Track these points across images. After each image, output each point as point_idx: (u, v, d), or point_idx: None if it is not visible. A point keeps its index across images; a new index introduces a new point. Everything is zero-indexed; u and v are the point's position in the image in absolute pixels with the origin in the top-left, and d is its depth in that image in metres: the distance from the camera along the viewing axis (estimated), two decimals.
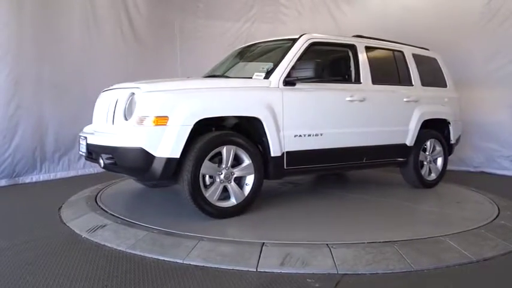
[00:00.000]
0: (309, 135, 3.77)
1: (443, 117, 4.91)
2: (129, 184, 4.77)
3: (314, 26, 7.78)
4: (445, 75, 5.08)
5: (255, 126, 3.54)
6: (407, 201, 4.20)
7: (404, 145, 4.52)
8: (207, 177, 3.32)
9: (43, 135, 5.68)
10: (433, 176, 4.85)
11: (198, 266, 2.61)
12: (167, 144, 3.10)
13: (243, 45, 4.92)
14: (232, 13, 7.88)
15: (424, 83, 4.78)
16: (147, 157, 3.09)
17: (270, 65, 3.86)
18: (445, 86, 5.08)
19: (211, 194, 3.32)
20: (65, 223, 3.53)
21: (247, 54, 4.62)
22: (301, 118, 3.75)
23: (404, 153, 4.55)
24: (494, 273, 2.65)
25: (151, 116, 3.11)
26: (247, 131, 3.58)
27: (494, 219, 3.54)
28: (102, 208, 3.76)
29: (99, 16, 6.26)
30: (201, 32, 7.58)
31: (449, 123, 4.97)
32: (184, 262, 2.65)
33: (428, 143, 4.77)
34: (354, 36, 4.45)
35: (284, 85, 3.65)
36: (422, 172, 4.73)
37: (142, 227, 3.18)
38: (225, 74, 4.34)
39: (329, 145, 3.91)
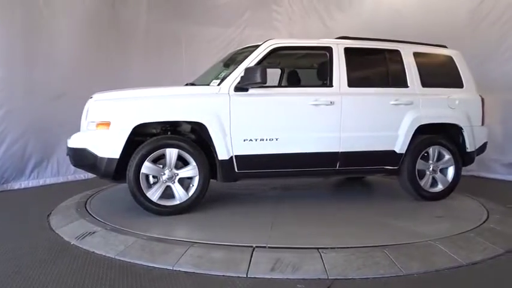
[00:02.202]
0: (262, 140, 3.78)
1: (450, 121, 4.39)
2: (119, 190, 4.72)
3: (306, 32, 7.86)
4: (461, 75, 4.52)
5: (204, 131, 3.70)
6: (387, 217, 3.73)
7: (393, 152, 4.17)
8: (150, 177, 3.66)
9: (32, 141, 5.62)
10: (440, 187, 4.35)
11: (188, 272, 2.60)
12: (108, 146, 3.53)
13: (231, 52, 4.95)
14: (224, 19, 7.89)
15: (427, 83, 4.34)
16: (91, 156, 3.54)
17: (228, 71, 3.95)
18: (460, 86, 4.51)
19: (153, 193, 3.60)
20: (53, 230, 3.49)
21: (228, 61, 4.61)
22: (252, 123, 3.80)
23: (393, 161, 4.20)
24: (483, 276, 2.66)
25: (96, 121, 3.61)
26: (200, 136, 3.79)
27: (484, 222, 3.56)
28: (91, 215, 3.72)
29: (92, 20, 6.25)
30: (195, 38, 7.57)
31: (461, 128, 4.41)
32: (174, 269, 2.64)
33: (430, 150, 4.31)
34: (338, 37, 4.31)
35: (235, 91, 3.73)
36: (422, 182, 4.28)
37: (132, 234, 3.15)
38: (204, 81, 4.28)
39: (287, 150, 3.86)
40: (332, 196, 4.82)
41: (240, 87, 3.74)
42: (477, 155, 4.64)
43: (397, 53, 4.35)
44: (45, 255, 2.92)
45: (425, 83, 4.33)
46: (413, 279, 2.57)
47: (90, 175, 6.16)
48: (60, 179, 5.95)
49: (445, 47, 4.66)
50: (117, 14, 6.67)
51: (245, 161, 3.77)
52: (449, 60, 4.56)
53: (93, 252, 2.95)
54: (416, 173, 4.25)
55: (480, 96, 4.55)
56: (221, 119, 3.68)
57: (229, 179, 3.85)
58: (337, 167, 4.05)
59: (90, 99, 3.84)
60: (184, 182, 3.71)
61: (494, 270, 2.75)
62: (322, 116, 3.95)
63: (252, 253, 2.75)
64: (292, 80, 5.02)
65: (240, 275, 2.55)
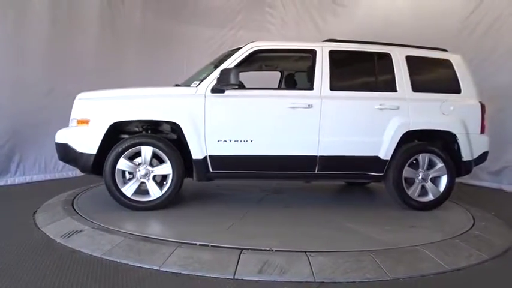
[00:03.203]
0: (236, 141, 3.81)
1: (442, 128, 4.19)
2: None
3: (299, 34, 7.90)
4: (459, 80, 4.31)
5: (180, 131, 3.79)
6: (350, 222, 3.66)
7: (377, 158, 4.04)
8: (126, 173, 3.80)
9: (19, 138, 5.54)
10: (430, 197, 4.17)
11: (174, 273, 2.59)
12: (86, 142, 3.72)
13: (222, 53, 4.94)
14: (218, 20, 7.90)
15: (419, 88, 4.18)
16: (72, 151, 3.75)
17: (208, 73, 4.00)
18: (457, 91, 4.29)
19: (127, 188, 3.74)
20: (39, 228, 3.45)
21: (217, 62, 4.55)
22: (227, 124, 3.86)
23: (378, 167, 4.07)
24: (468, 282, 2.69)
25: (77, 118, 3.81)
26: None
27: (469, 229, 3.60)
28: (78, 213, 3.68)
29: (86, 18, 6.23)
30: (188, 38, 7.56)
31: (455, 136, 4.20)
32: (161, 269, 2.62)
33: (420, 158, 4.13)
34: (326, 40, 4.26)
35: (212, 92, 3.79)
36: (410, 191, 4.12)
37: (119, 233, 3.12)
38: (191, 82, 4.26)
39: (262, 152, 3.86)
40: (318, 200, 4.76)
41: (217, 89, 3.79)
42: (476, 165, 4.43)
43: (387, 56, 4.23)
44: (30, 254, 2.88)
45: (416, 88, 4.17)
46: (398, 283, 2.60)
47: (78, 173, 6.10)
48: (48, 176, 5.88)
49: (445, 50, 4.49)
50: (113, 13, 6.64)
51: (219, 161, 3.82)
52: (448, 64, 4.36)
53: (79, 251, 2.92)
54: (403, 180, 4.10)
55: (480, 102, 4.32)
56: (196, 119, 3.75)
57: (203, 179, 3.90)
58: (316, 171, 3.99)
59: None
60: (160, 180, 3.85)
61: (479, 276, 2.78)
62: (299, 119, 3.92)
63: (240, 255, 2.74)
64: (289, 82, 5.02)
65: (227, 277, 2.54)
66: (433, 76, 4.46)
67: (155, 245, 2.91)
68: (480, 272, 2.84)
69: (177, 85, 4.30)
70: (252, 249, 2.82)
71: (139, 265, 2.67)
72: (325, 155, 3.94)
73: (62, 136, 3.86)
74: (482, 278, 2.77)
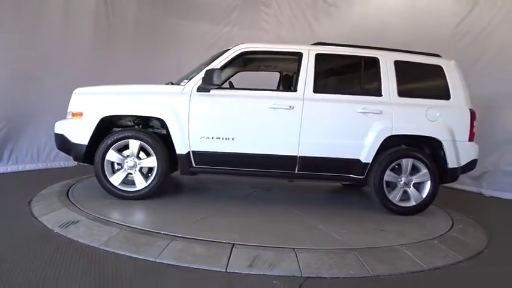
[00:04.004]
0: (218, 138, 3.99)
1: (426, 134, 4.18)
2: None
3: (293, 35, 8.03)
4: (449, 86, 4.28)
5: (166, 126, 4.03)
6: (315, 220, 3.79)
7: (358, 161, 4.09)
8: (115, 164, 4.07)
9: (12, 127, 5.60)
10: (412, 202, 4.20)
11: (170, 264, 2.73)
12: (79, 133, 4.01)
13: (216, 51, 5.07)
14: (213, 16, 7.97)
15: (405, 93, 4.19)
16: (66, 141, 4.06)
17: (197, 72, 4.18)
18: (446, 98, 4.26)
19: (115, 178, 4.01)
20: (36, 217, 3.54)
21: (208, 62, 4.70)
22: (210, 122, 4.06)
23: (359, 170, 4.12)
24: (443, 281, 2.89)
25: (72, 111, 4.10)
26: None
27: (448, 231, 3.81)
28: (74, 204, 3.79)
29: (82, 12, 6.27)
30: (182, 34, 7.62)
31: (440, 142, 4.18)
32: (157, 261, 2.76)
33: (403, 163, 4.15)
34: (315, 43, 4.34)
35: (198, 91, 4.00)
36: (391, 195, 4.16)
37: (115, 225, 3.25)
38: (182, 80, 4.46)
39: (243, 150, 4.02)
40: (302, 200, 4.81)
41: (203, 88, 4.00)
42: (464, 173, 4.41)
43: (375, 60, 4.26)
44: (29, 242, 2.98)
45: (402, 93, 4.19)
46: (379, 280, 2.78)
47: (70, 164, 6.25)
48: (40, 166, 5.96)
49: (438, 56, 4.47)
50: (108, 7, 6.67)
51: (201, 157, 4.03)
52: (438, 70, 4.33)
53: (77, 241, 3.03)
54: (385, 184, 4.14)
55: (470, 110, 4.28)
56: (180, 116, 3.97)
57: (187, 173, 4.13)
58: (296, 171, 4.09)
59: None
60: (146, 172, 4.13)
61: (453, 275, 2.98)
62: (280, 119, 4.04)
63: (232, 249, 2.90)
64: (285, 84, 5.13)
65: (220, 270, 2.70)
66: (422, 82, 4.45)
67: (150, 237, 3.05)
68: (455, 271, 3.04)
69: (171, 83, 4.43)
70: (242, 245, 2.98)
71: (136, 256, 2.80)
72: (305, 155, 4.04)
73: (59, 127, 4.15)
74: (456, 277, 2.96)
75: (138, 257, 2.80)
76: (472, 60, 6.16)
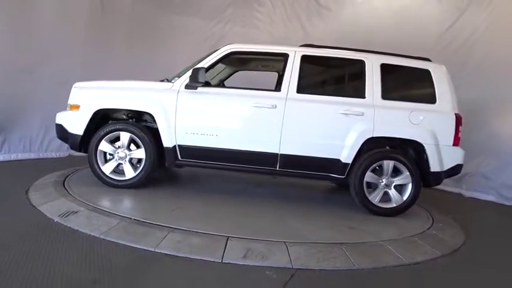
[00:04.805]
0: (203, 134, 4.20)
1: (408, 137, 4.21)
2: None
3: (285, 34, 8.16)
4: (436, 90, 4.31)
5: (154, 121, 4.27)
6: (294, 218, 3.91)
7: (338, 161, 4.18)
8: (107, 154, 4.35)
9: (5, 116, 5.62)
10: (393, 204, 4.26)
11: (168, 254, 2.88)
12: (75, 124, 4.28)
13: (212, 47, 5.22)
14: (207, 12, 8.05)
15: (389, 96, 4.25)
16: (65, 131, 4.35)
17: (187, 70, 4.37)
18: (431, 102, 4.29)
19: (107, 167, 4.28)
20: (35, 207, 3.64)
21: (201, 59, 4.82)
22: (195, 118, 4.25)
23: (339, 170, 4.19)
24: (421, 274, 3.12)
25: (71, 103, 4.37)
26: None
27: (428, 229, 4.05)
28: (72, 195, 3.89)
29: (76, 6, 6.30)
30: (176, 29, 7.69)
31: (422, 146, 4.20)
32: (156, 250, 2.91)
33: (384, 164, 4.21)
34: (303, 45, 4.48)
35: (185, 88, 4.21)
36: (371, 196, 4.22)
37: (114, 216, 3.39)
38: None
39: (226, 146, 4.20)
40: (288, 196, 4.99)
41: (189, 85, 4.20)
42: (448, 177, 4.45)
43: (360, 63, 4.31)
44: (31, 230, 3.10)
45: (386, 95, 4.24)
46: (363, 273, 2.99)
47: (63, 154, 6.31)
48: (32, 155, 6.00)
49: (428, 60, 4.49)
50: (102, 0, 6.70)
51: (187, 150, 4.25)
52: (426, 74, 4.35)
53: (77, 230, 3.15)
54: (365, 185, 4.20)
55: (456, 114, 4.30)
56: (168, 111, 4.19)
57: (173, 165, 4.40)
58: (277, 168, 4.23)
59: None
60: (136, 163, 4.40)
61: (431, 269, 3.22)
62: (262, 118, 4.20)
63: (227, 242, 3.07)
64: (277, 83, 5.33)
65: (216, 260, 2.86)
66: (408, 85, 4.52)
67: (149, 228, 3.20)
68: (433, 266, 3.28)
69: (166, 80, 4.58)
70: (237, 237, 3.16)
71: (135, 246, 2.95)
72: (285, 153, 4.18)
73: (59, 118, 4.44)
74: (434, 271, 3.20)
75: (138, 246, 2.94)
76: (457, 66, 6.37)
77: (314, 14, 8.17)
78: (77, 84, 4.46)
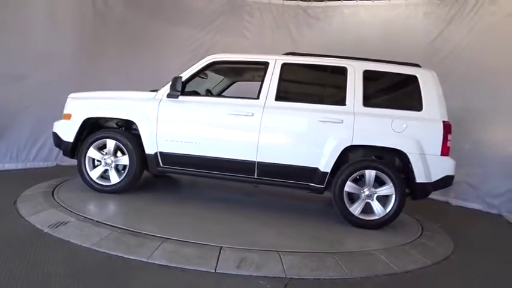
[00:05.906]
0: (182, 142, 4.29)
1: (390, 145, 4.02)
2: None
3: (273, 43, 8.24)
4: (423, 97, 4.10)
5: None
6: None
7: (316, 169, 4.06)
8: (96, 160, 4.50)
9: None
10: (375, 216, 4.05)
11: (161, 265, 2.86)
12: (67, 132, 4.52)
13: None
14: (197, 22, 8.09)
15: (371, 103, 4.10)
16: (58, 138, 4.59)
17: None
18: (417, 109, 4.09)
19: (94, 173, 4.45)
20: (24, 218, 3.58)
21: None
22: (176, 126, 4.35)
23: (317, 179, 4.07)
24: (412, 282, 3.15)
25: (64, 113, 4.60)
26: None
27: (417, 238, 4.09)
28: (61, 205, 3.84)
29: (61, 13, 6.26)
30: (168, 38, 7.70)
31: (406, 155, 3.99)
32: (149, 261, 2.89)
33: (366, 174, 4.01)
34: (286, 53, 4.49)
35: (168, 97, 4.34)
36: (352, 207, 4.04)
37: (105, 226, 3.35)
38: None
39: (206, 153, 4.25)
40: (275, 206, 4.92)
41: (170, 94, 4.32)
42: (437, 189, 4.23)
43: (342, 70, 4.21)
44: (21, 241, 3.05)
45: (368, 103, 4.10)
46: (356, 282, 3.01)
47: (50, 163, 6.23)
48: (19, 166, 5.89)
49: (418, 66, 4.32)
50: (94, 8, 6.69)
51: (168, 157, 4.35)
52: (412, 80, 4.16)
53: (68, 241, 3.11)
54: (345, 195, 4.04)
55: (444, 122, 4.05)
56: (150, 119, 4.32)
57: (155, 172, 4.52)
58: (255, 176, 4.19)
59: None
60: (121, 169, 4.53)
61: (422, 278, 3.25)
62: (240, 125, 4.22)
63: (220, 251, 3.06)
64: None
65: (210, 270, 2.86)
66: (393, 92, 4.36)
67: (141, 239, 3.17)
68: (423, 274, 3.31)
69: (155, 90, 4.59)
70: (230, 247, 3.15)
71: (128, 257, 2.92)
72: (263, 161, 4.14)
73: (55, 126, 4.69)
74: (424, 280, 3.23)
75: (130, 257, 2.92)
76: (443, 76, 6.52)
77: (303, 24, 8.29)
78: (71, 95, 4.70)
